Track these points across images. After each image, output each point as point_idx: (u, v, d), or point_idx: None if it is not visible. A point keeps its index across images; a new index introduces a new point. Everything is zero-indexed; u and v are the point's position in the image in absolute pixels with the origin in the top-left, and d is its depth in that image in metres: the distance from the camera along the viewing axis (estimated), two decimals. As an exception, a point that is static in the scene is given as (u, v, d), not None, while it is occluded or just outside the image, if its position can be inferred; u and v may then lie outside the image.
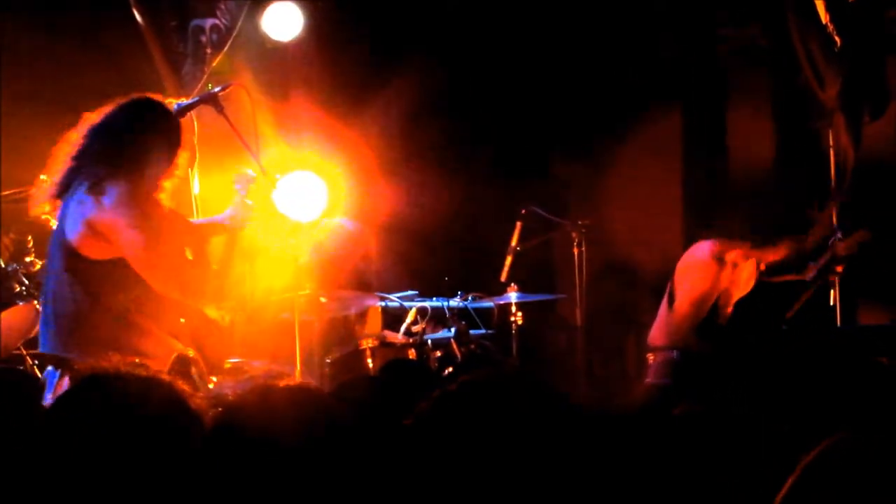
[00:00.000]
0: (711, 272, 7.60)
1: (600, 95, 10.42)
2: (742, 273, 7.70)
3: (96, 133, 5.67)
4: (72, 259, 5.58)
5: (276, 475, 2.45)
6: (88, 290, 5.57)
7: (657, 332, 7.82)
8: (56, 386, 5.42)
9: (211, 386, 5.77)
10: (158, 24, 8.36)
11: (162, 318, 5.68)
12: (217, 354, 6.08)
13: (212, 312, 6.10)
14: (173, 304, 5.73)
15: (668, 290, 7.80)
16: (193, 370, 5.62)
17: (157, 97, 5.92)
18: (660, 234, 8.49)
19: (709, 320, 7.67)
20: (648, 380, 7.83)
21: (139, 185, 5.65)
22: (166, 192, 5.83)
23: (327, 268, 7.81)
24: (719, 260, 7.60)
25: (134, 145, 5.71)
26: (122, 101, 5.79)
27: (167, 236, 5.65)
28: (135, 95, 5.83)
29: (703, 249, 7.69)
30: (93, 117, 5.71)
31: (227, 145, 6.65)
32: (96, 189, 5.56)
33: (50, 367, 5.57)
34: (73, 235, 5.56)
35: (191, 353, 5.66)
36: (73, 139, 5.67)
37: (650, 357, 7.86)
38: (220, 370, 5.98)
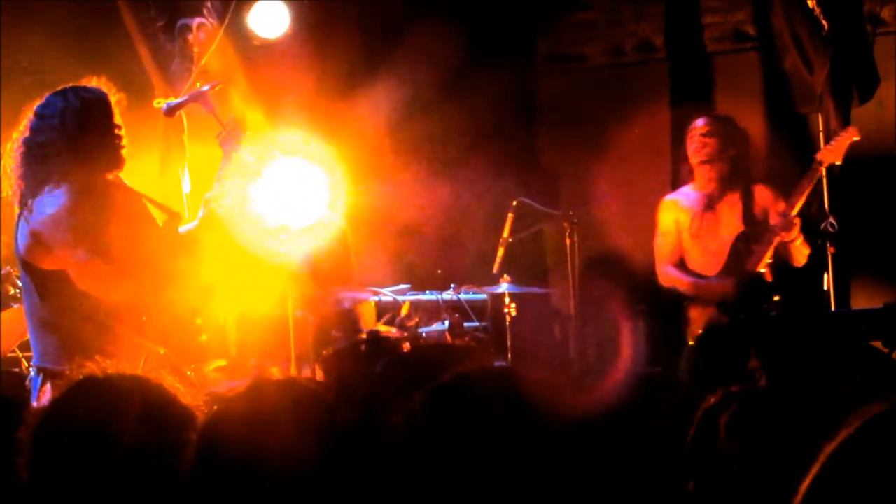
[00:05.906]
0: (670, 208, 8.10)
1: (587, 84, 10.43)
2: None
3: (35, 133, 5.57)
4: (27, 269, 5.53)
5: (271, 471, 2.45)
6: (47, 297, 5.51)
7: None
8: (39, 393, 5.38)
9: (189, 373, 5.70)
10: (146, 23, 8.36)
11: (126, 319, 5.56)
12: (184, 351, 5.96)
13: (179, 309, 5.97)
14: (134, 304, 5.64)
15: None
16: (166, 368, 5.53)
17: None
18: (650, 222, 8.48)
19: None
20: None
21: (87, 181, 5.54)
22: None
23: (323, 264, 7.80)
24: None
25: (76, 139, 5.60)
26: (50, 94, 5.72)
27: (115, 240, 5.53)
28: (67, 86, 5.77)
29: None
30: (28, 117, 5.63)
31: (217, 144, 6.65)
32: (42, 192, 5.46)
33: (33, 373, 5.57)
34: (22, 247, 5.49)
35: (161, 350, 5.56)
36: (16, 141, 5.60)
37: None
38: (189, 366, 5.88)
